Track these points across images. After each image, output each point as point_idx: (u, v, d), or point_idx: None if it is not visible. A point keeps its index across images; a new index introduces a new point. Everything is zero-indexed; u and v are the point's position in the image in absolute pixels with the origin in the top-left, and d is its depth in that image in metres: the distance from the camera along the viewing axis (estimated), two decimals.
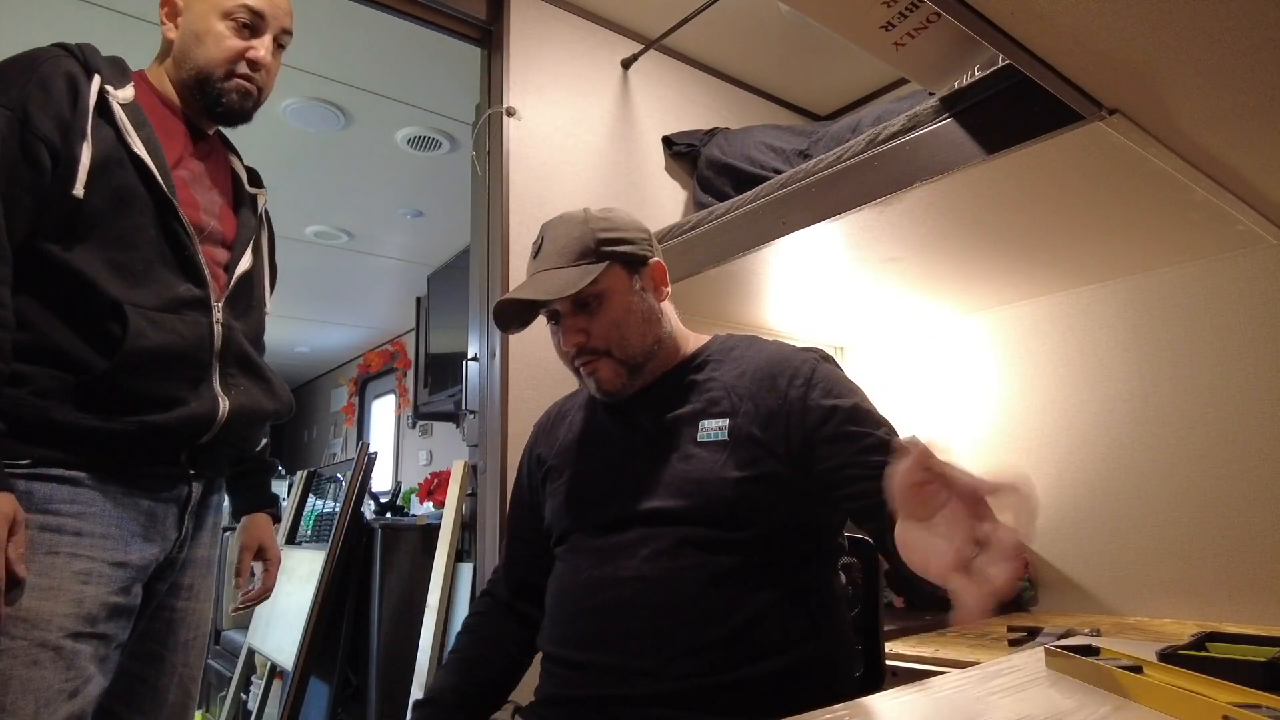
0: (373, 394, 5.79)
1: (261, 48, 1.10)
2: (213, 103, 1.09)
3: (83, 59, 1.00)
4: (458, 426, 2.33)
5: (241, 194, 1.18)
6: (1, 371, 0.87)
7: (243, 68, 1.09)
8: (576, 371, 1.04)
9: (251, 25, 1.10)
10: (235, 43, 1.08)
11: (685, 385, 1.04)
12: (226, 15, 1.08)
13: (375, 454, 2.64)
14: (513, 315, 1.02)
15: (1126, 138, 1.02)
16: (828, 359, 1.03)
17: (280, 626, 2.53)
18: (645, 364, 1.03)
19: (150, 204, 1.00)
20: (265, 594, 1.26)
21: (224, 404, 1.03)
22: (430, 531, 2.35)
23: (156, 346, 0.96)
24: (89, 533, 0.93)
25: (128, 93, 1.02)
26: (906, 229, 1.39)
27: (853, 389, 0.99)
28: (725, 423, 0.99)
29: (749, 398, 0.99)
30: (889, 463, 0.76)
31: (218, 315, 1.05)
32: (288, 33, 1.15)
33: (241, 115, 1.13)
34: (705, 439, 0.99)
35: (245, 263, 1.12)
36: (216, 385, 1.04)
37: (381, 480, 4.82)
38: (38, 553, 0.88)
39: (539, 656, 1.03)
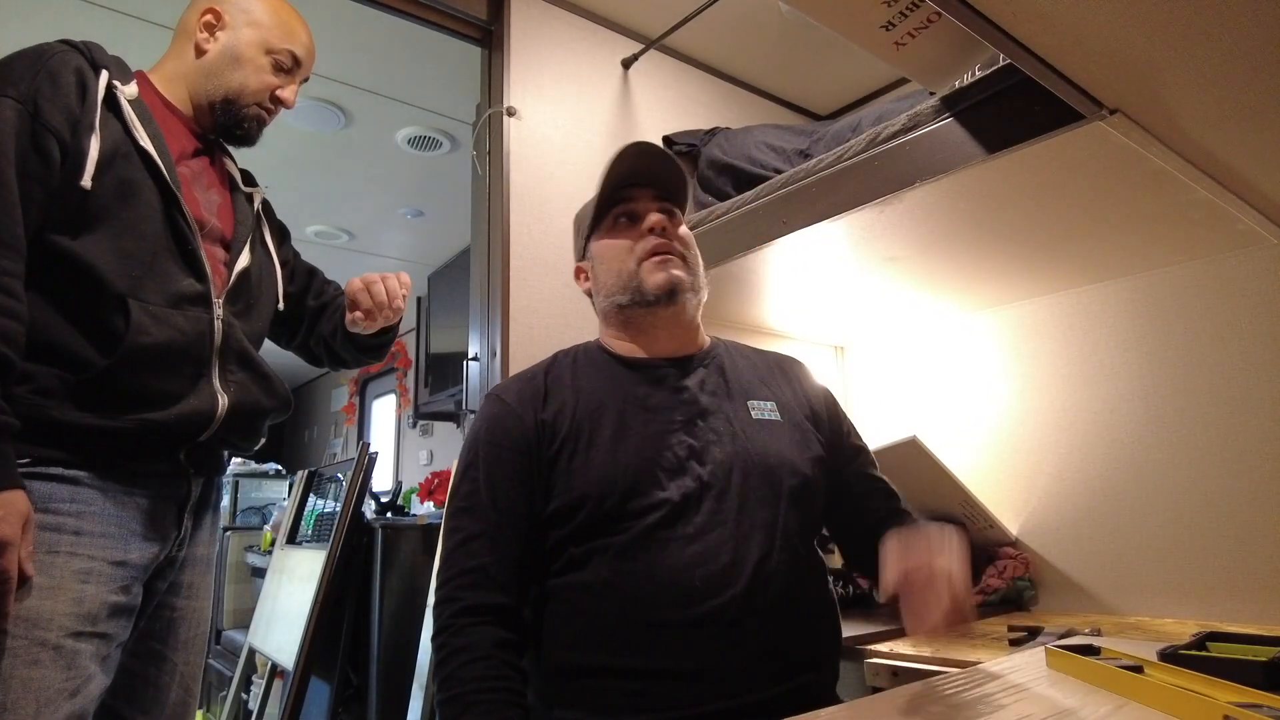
0: (373, 394, 5.79)
1: (290, 91, 1.18)
2: (234, 124, 1.15)
3: (89, 55, 1.01)
4: (458, 426, 2.34)
5: (237, 193, 1.19)
6: (15, 365, 0.87)
7: (268, 102, 1.16)
8: (638, 266, 1.02)
9: (288, 69, 1.17)
10: (271, 79, 1.16)
11: (714, 368, 1.06)
12: (270, 52, 1.15)
13: (376, 454, 2.64)
14: (637, 158, 1.04)
15: (1127, 137, 1.02)
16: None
17: (281, 626, 2.53)
18: (695, 297, 1.05)
19: (156, 197, 1.01)
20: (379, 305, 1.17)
21: (223, 400, 1.04)
22: (431, 531, 2.35)
23: (157, 343, 0.97)
24: (89, 531, 0.93)
25: (132, 89, 1.04)
26: (907, 229, 1.39)
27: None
28: (773, 404, 1.03)
29: (780, 388, 1.07)
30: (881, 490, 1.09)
31: (218, 311, 1.05)
32: (306, 79, 1.24)
33: (250, 141, 1.19)
34: (760, 417, 1.01)
35: (244, 260, 1.13)
36: (216, 381, 1.04)
37: (382, 480, 4.83)
38: (38, 551, 0.88)
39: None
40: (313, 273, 1.36)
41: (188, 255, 1.03)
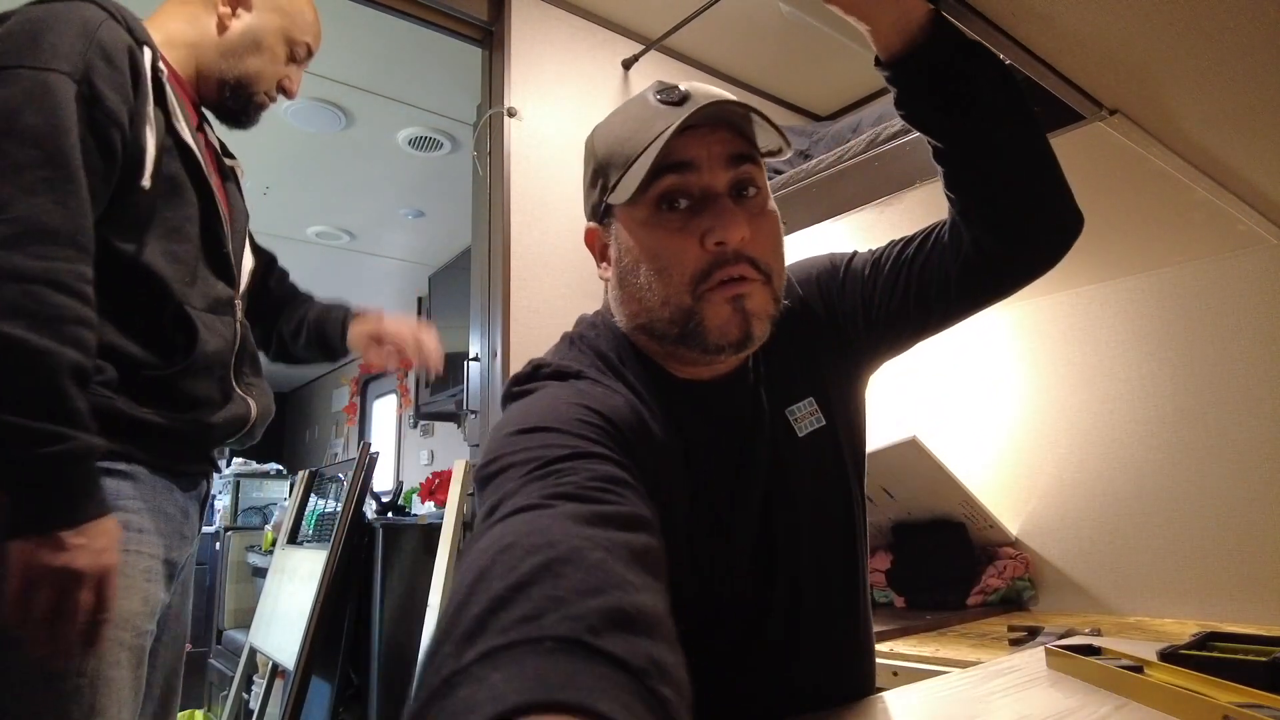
0: (374, 394, 5.79)
1: (296, 81, 1.15)
2: (241, 107, 1.10)
3: (127, 27, 0.90)
4: (459, 426, 2.34)
5: (228, 170, 1.13)
6: (88, 368, 0.80)
7: (274, 90, 1.13)
8: (696, 301, 0.68)
9: (300, 61, 1.14)
10: (284, 69, 1.12)
11: (761, 375, 0.81)
12: (290, 43, 1.11)
13: (377, 454, 2.64)
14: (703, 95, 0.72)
15: (1127, 138, 1.02)
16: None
17: (282, 626, 2.53)
18: (774, 318, 0.73)
19: (195, 197, 0.96)
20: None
21: (252, 405, 1.03)
22: (431, 531, 2.35)
23: (211, 350, 0.95)
24: (148, 529, 0.91)
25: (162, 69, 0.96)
26: (907, 229, 1.37)
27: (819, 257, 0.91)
28: (811, 400, 0.80)
29: (811, 360, 0.83)
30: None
31: (239, 315, 1.03)
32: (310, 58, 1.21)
33: (249, 124, 1.14)
34: (805, 431, 0.79)
35: (249, 261, 1.11)
36: (237, 386, 1.02)
37: (383, 480, 4.83)
38: None
39: None
40: (274, 259, 1.28)
41: (220, 260, 0.99)
